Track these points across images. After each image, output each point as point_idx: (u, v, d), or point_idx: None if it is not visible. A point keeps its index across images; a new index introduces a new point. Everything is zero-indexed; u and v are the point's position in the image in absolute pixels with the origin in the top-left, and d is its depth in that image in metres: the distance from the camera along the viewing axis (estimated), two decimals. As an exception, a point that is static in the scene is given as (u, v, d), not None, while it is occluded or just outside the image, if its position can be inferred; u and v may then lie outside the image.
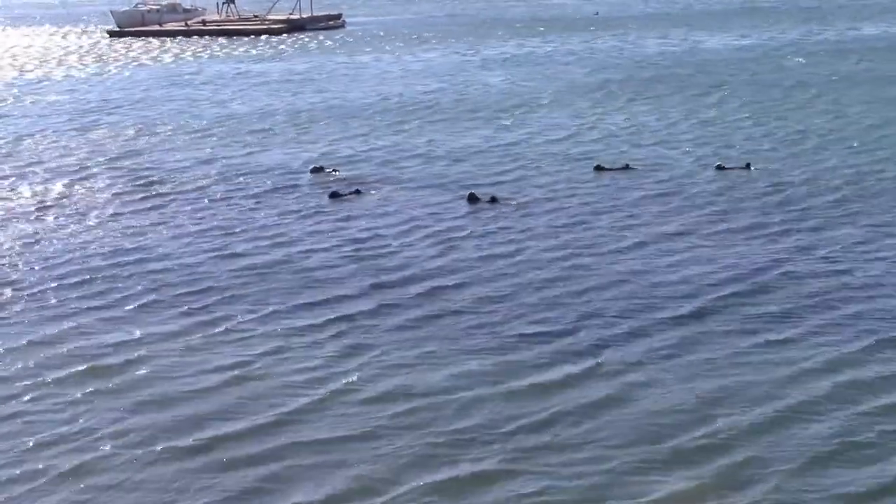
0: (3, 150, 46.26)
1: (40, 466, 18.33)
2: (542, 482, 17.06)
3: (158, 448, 18.68)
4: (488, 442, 18.50)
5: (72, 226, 33.71)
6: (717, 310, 24.55)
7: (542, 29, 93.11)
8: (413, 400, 20.29)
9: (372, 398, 20.51)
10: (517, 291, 26.36)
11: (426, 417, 19.53)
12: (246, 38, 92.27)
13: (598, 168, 38.47)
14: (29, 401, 21.03)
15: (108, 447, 18.81)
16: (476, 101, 56.14)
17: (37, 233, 33.15)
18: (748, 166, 38.30)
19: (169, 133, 49.79)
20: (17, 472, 17.96)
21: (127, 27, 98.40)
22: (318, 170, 39.87)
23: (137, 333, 24.12)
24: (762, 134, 44.94)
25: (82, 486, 17.69)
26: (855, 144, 42.33)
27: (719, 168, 38.01)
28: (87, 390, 21.14)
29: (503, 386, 20.73)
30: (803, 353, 21.73)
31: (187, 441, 18.99)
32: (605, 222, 32.11)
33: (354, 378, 21.38)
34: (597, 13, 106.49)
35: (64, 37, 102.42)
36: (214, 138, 47.87)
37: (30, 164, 43.00)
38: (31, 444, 19.16)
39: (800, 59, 70.00)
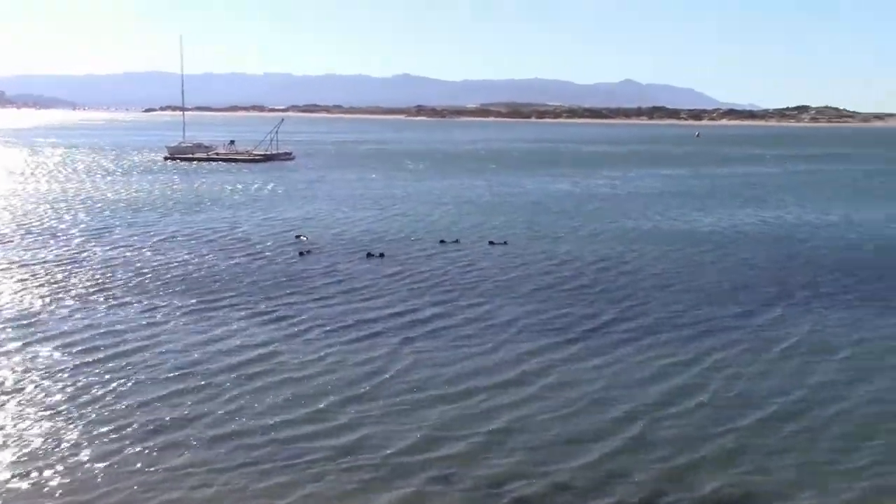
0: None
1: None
2: (503, 435, 15.72)
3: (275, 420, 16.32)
4: (482, 415, 16.67)
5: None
6: (557, 332, 22.62)
7: (420, 165, 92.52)
8: (437, 388, 18.20)
9: (408, 384, 18.47)
10: (419, 318, 24.75)
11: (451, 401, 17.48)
12: (242, 163, 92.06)
13: (442, 241, 38.21)
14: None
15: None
16: (373, 199, 54.51)
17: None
18: (505, 242, 38.12)
19: (207, 206, 48.54)
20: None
21: (173, 155, 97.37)
22: (298, 237, 38.71)
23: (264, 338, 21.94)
24: (517, 226, 44.43)
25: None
26: (580, 233, 42.13)
27: (491, 243, 37.82)
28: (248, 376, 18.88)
29: (481, 382, 18.67)
30: (624, 359, 20.24)
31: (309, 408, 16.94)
32: (454, 271, 31.43)
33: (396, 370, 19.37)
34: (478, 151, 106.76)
35: (135, 158, 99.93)
36: (235, 209, 46.07)
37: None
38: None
39: (563, 186, 68.12)
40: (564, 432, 16.06)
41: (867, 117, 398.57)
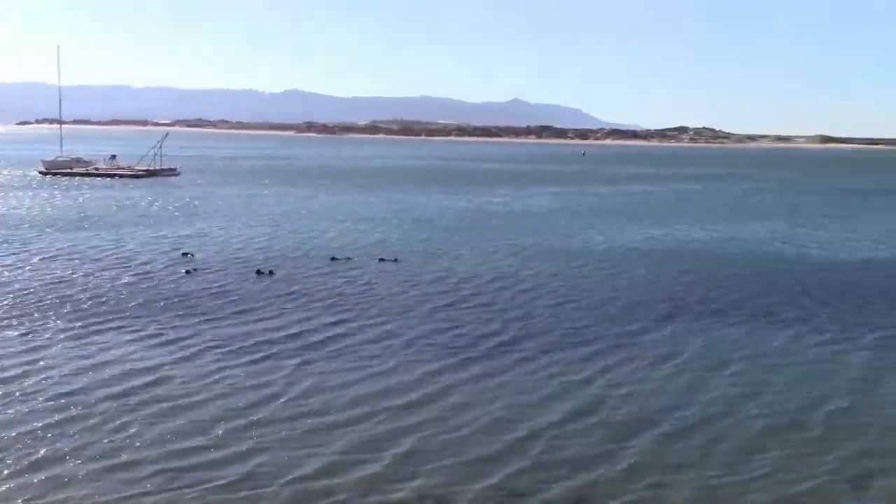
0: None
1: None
2: (403, 448, 15.81)
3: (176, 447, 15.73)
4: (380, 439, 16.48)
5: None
6: (459, 350, 22.76)
7: (310, 181, 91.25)
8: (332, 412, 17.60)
9: (305, 408, 17.80)
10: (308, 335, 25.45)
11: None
12: (124, 179, 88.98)
13: (333, 258, 37.62)
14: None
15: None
16: (262, 216, 53.33)
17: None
18: (396, 259, 37.80)
19: (88, 223, 46.35)
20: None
21: (50, 169, 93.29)
22: (185, 254, 37.89)
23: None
24: (411, 243, 44.16)
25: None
26: (473, 250, 42.33)
27: (381, 260, 37.49)
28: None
29: (381, 404, 18.11)
30: (526, 375, 20.50)
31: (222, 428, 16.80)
32: (347, 289, 31.04)
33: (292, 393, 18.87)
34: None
35: (9, 173, 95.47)
36: (118, 227, 44.35)
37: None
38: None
39: (456, 204, 67.48)
40: (466, 454, 15.92)
41: (741, 138, 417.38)
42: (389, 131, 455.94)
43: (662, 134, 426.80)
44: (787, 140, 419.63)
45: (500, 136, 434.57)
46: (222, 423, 17.07)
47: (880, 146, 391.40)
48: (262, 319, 25.89)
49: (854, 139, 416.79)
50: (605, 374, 21.11)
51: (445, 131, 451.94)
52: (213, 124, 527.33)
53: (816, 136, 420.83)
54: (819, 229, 55.98)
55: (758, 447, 16.72)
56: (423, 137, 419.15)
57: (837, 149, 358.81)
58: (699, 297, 31.29)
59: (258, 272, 33.75)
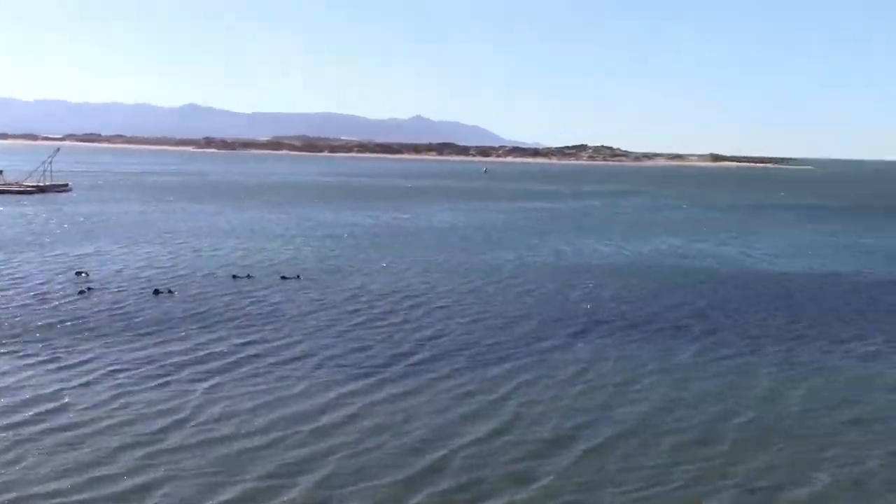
0: None
1: None
2: (340, 462, 15.76)
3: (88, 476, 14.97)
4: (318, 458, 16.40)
5: None
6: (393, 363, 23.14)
7: (210, 198, 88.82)
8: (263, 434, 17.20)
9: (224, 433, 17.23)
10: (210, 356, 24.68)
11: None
12: (11, 195, 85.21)
13: (235, 276, 37.11)
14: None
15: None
16: (160, 233, 51.45)
17: None
18: (298, 276, 37.58)
19: None
20: None
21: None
22: (79, 273, 36.64)
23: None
24: (322, 259, 43.62)
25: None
26: (383, 264, 42.10)
27: (283, 277, 37.00)
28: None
29: (297, 428, 17.71)
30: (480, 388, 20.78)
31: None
32: (251, 308, 30.47)
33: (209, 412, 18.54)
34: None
35: None
36: (6, 245, 43.43)
37: None
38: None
39: (361, 220, 66.71)
40: (383, 478, 15.59)
41: (638, 156, 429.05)
42: (292, 147, 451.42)
43: (562, 152, 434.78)
44: (681, 158, 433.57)
45: (401, 152, 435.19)
46: (127, 452, 16.25)
47: (767, 164, 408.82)
48: (165, 342, 24.95)
49: (742, 157, 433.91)
50: (520, 392, 21.05)
51: (348, 147, 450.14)
52: (108, 139, 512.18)
53: (708, 154, 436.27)
54: (719, 245, 57.57)
55: (671, 462, 16.90)
56: (326, 154, 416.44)
57: (727, 167, 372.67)
58: (609, 313, 31.65)
59: (156, 291, 32.76)
